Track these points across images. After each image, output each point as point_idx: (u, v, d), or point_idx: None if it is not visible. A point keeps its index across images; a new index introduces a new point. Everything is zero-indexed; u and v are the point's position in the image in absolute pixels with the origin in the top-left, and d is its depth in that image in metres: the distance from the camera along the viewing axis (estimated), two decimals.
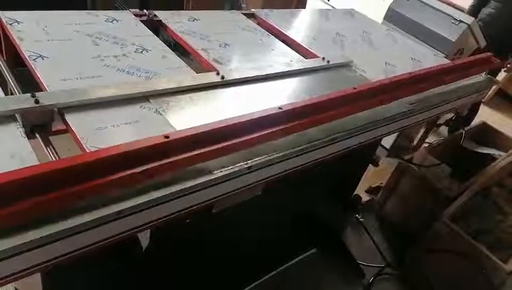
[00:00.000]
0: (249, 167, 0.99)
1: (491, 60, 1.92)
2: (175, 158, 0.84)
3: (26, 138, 0.86)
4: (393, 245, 2.42)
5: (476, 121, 3.15)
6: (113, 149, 0.78)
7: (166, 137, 0.84)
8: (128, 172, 0.77)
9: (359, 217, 2.52)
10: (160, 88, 1.10)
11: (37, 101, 0.91)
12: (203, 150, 0.88)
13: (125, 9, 1.53)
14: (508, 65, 3.18)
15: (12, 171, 0.69)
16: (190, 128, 0.90)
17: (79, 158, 0.75)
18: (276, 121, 1.04)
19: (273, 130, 1.02)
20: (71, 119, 0.94)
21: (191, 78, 1.20)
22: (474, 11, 3.17)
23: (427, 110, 1.56)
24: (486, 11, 3.09)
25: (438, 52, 2.42)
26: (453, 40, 2.61)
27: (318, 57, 1.59)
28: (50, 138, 0.94)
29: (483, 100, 3.32)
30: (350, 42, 1.86)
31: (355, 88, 1.26)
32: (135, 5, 1.63)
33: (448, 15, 2.69)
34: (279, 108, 1.04)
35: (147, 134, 0.94)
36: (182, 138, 0.86)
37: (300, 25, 1.90)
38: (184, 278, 1.50)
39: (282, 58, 1.54)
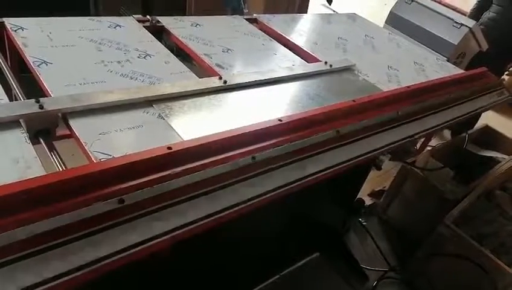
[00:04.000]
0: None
1: (486, 75, 1.93)
2: (178, 169, 0.85)
3: (30, 143, 0.87)
4: (397, 249, 2.41)
5: (479, 124, 3.14)
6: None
7: (169, 148, 0.87)
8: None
9: (362, 220, 2.51)
10: (163, 93, 1.11)
11: (41, 107, 0.92)
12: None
13: (129, 15, 1.54)
14: (511, 68, 3.18)
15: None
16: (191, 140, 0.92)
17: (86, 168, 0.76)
18: (280, 133, 1.06)
19: (276, 141, 1.03)
20: (75, 124, 0.95)
21: (193, 83, 1.21)
22: (475, 14, 3.17)
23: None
24: (487, 14, 3.09)
25: (440, 55, 2.42)
26: (455, 44, 2.61)
27: (320, 61, 1.60)
28: (54, 143, 0.95)
29: None
30: (352, 46, 1.87)
31: (354, 100, 1.28)
32: (138, 11, 1.64)
33: (450, 18, 2.70)
34: (279, 120, 1.07)
35: (150, 139, 0.95)
36: (185, 150, 0.88)
37: (302, 30, 1.90)
38: (187, 282, 1.50)
39: (285, 62, 1.54)
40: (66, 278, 0.67)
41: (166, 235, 0.79)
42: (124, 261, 0.73)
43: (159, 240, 0.77)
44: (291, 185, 1.01)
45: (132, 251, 0.74)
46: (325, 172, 1.09)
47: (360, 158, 1.21)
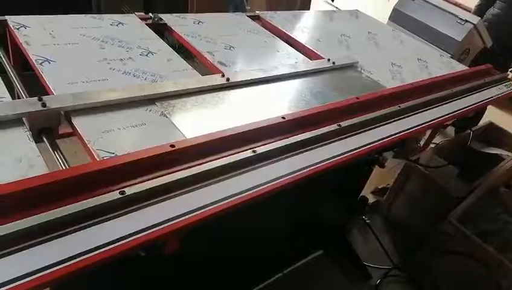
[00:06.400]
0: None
1: (491, 72, 1.92)
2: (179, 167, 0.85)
3: (33, 141, 0.87)
4: (400, 247, 2.40)
5: (483, 121, 3.13)
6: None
7: (172, 146, 0.87)
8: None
9: (366, 218, 2.50)
10: (166, 91, 1.11)
11: (44, 105, 0.91)
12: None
13: (131, 13, 1.54)
14: None
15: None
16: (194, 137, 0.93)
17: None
18: (283, 130, 1.06)
19: (279, 139, 1.03)
20: (78, 122, 0.95)
21: (196, 80, 1.20)
22: (480, 11, 3.16)
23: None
24: (492, 11, 3.07)
25: (444, 52, 2.41)
26: (459, 40, 2.60)
27: (323, 58, 1.59)
28: (57, 141, 0.95)
29: None
30: (355, 43, 1.86)
31: (358, 98, 1.28)
32: (140, 9, 1.64)
33: (454, 15, 2.68)
34: (283, 117, 1.07)
35: (153, 137, 0.95)
36: (188, 147, 0.88)
37: (304, 27, 1.90)
38: (191, 279, 1.50)
39: (287, 59, 1.54)
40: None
41: (178, 219, 0.78)
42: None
43: (169, 223, 0.76)
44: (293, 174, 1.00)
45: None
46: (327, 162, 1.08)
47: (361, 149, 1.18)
